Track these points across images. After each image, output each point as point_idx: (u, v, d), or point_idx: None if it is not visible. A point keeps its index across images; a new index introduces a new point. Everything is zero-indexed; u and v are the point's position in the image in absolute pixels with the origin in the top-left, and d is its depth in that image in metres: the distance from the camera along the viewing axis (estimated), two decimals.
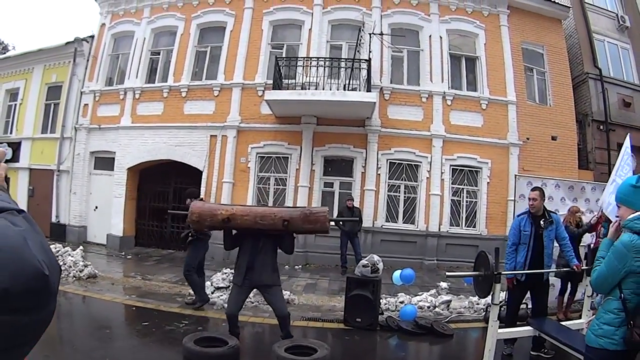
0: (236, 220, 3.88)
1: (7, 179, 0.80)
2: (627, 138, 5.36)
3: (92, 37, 11.33)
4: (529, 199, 4.29)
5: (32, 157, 11.96)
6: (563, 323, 4.19)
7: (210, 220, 3.94)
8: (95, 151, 10.89)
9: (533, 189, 4.41)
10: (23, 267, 0.55)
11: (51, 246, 7.20)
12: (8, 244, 0.55)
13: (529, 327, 3.99)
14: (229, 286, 5.95)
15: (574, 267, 4.15)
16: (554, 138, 10.27)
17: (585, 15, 11.99)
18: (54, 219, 11.26)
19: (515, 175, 7.28)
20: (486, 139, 9.72)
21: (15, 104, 12.51)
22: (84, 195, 10.91)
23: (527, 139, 9.97)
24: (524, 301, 4.63)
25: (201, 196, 5.76)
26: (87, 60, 11.19)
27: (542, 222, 4.16)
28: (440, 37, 9.96)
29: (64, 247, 7.75)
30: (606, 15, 12.45)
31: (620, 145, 11.10)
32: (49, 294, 0.59)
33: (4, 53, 16.69)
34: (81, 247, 7.87)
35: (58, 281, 0.63)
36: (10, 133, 12.53)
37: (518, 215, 4.40)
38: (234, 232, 4.10)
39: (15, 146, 12.20)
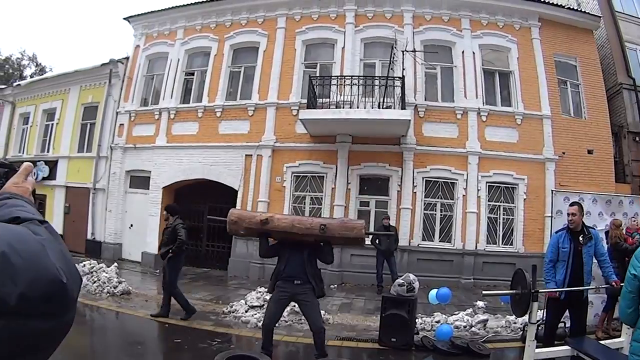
0: (274, 223, 3.92)
1: (34, 194, 0.84)
2: None
3: (127, 58, 11.64)
4: (568, 214, 4.17)
5: (69, 175, 12.28)
6: (602, 342, 4.07)
7: (248, 222, 4.00)
8: (131, 170, 11.11)
9: (572, 204, 4.30)
10: (41, 274, 0.56)
11: (86, 262, 7.41)
12: (27, 250, 0.56)
13: (567, 347, 3.85)
14: (263, 305, 6.00)
15: (613, 283, 4.04)
16: (590, 152, 10.06)
17: (616, 24, 11.76)
18: (89, 236, 11.52)
19: (552, 190, 7.16)
20: (522, 154, 9.59)
21: (53, 124, 12.89)
22: (120, 213, 11.11)
23: (563, 153, 9.80)
24: (562, 319, 4.51)
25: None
26: (122, 81, 11.48)
27: (581, 238, 4.05)
28: (473, 53, 9.91)
29: (98, 263, 7.89)
30: (637, 23, 12.20)
31: None
32: (66, 301, 0.59)
33: (42, 75, 17.23)
34: (116, 264, 7.98)
35: (78, 290, 0.64)
36: (48, 151, 12.91)
37: (556, 232, 4.29)
38: (272, 243, 4.15)
39: (52, 164, 12.57)
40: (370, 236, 8.19)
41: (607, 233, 5.60)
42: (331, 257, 4.14)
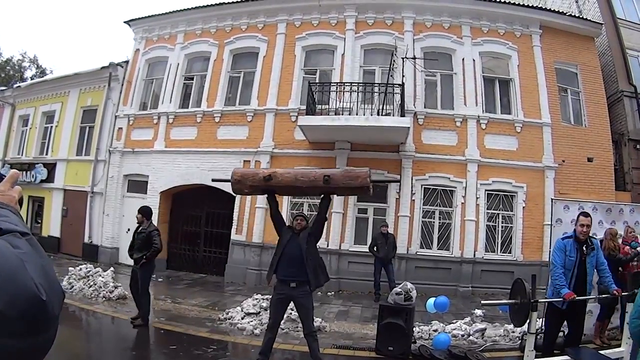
0: (277, 178, 3.90)
1: (20, 202, 0.82)
2: None
3: (127, 62, 11.62)
4: (583, 225, 4.08)
5: (67, 178, 12.27)
6: (602, 352, 4.02)
7: (252, 179, 3.98)
8: (129, 174, 11.09)
9: (585, 215, 4.19)
10: (19, 291, 0.53)
11: (82, 266, 7.36)
12: (4, 266, 0.53)
13: (566, 357, 3.83)
14: (259, 312, 6.00)
15: (614, 292, 4.00)
16: (590, 159, 10.02)
17: (618, 32, 11.72)
18: (86, 240, 11.49)
19: (552, 198, 7.09)
20: (521, 162, 9.55)
21: (52, 126, 12.89)
22: (117, 217, 11.08)
23: (563, 161, 9.75)
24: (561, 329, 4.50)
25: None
26: (122, 85, 11.47)
27: (584, 249, 4.04)
28: (473, 60, 9.87)
29: (95, 267, 7.86)
30: (639, 29, 12.16)
31: None
32: (46, 319, 0.56)
33: (43, 77, 17.23)
34: (112, 269, 7.93)
35: (59, 307, 0.61)
36: (46, 154, 12.89)
37: (562, 239, 4.20)
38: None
39: (51, 167, 12.56)
40: (370, 243, 8.21)
41: (601, 242, 5.56)
42: (324, 212, 4.13)
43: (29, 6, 38.75)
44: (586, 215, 4.21)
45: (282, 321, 5.50)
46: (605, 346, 5.09)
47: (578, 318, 4.18)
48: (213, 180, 5.07)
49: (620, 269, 5.36)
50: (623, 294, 4.03)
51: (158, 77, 11.26)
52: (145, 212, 5.96)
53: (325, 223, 4.34)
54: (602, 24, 11.10)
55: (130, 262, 10.28)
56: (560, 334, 4.59)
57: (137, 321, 5.71)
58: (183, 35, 11.08)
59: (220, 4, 10.74)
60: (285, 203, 9.53)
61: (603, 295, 4.39)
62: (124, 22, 11.87)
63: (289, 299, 4.19)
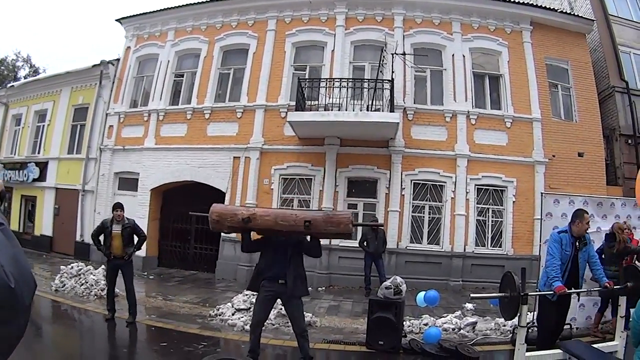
0: (256, 220, 3.82)
1: (2, 196, 0.82)
2: None
3: (118, 60, 11.62)
4: (587, 223, 4.10)
5: (59, 177, 12.25)
6: (595, 345, 4.03)
7: (230, 220, 3.88)
8: (120, 172, 11.06)
9: (586, 212, 4.20)
10: None
11: (74, 264, 7.35)
12: None
13: (558, 350, 3.83)
14: (250, 308, 5.96)
15: (606, 284, 4.02)
16: (580, 154, 10.03)
17: (609, 28, 11.74)
18: (78, 238, 11.46)
19: (542, 193, 7.03)
20: (511, 157, 9.56)
21: (44, 125, 12.88)
22: (108, 215, 10.94)
23: (553, 156, 9.76)
24: (567, 321, 4.50)
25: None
26: (113, 83, 11.46)
27: (577, 244, 4.06)
28: (463, 56, 9.88)
29: (86, 265, 7.86)
30: (631, 26, 12.16)
31: None
32: (15, 307, 0.56)
33: (36, 76, 17.23)
34: (103, 267, 7.83)
35: (30, 296, 0.61)
36: (38, 153, 12.88)
37: (559, 232, 4.18)
38: (256, 238, 4.09)
39: (43, 166, 12.54)
40: (360, 238, 8.21)
41: (607, 236, 5.51)
42: (319, 251, 4.06)
43: (23, 5, 38.74)
44: (586, 212, 4.22)
45: (273, 317, 5.53)
46: (598, 339, 5.10)
47: (564, 312, 4.21)
48: (190, 214, 4.97)
49: (626, 258, 5.35)
50: (615, 287, 4.03)
51: (149, 75, 11.25)
52: (116, 206, 5.97)
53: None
54: (593, 20, 11.12)
55: None
56: (567, 326, 4.58)
57: (129, 318, 5.73)
58: (174, 32, 11.08)
59: (211, 0, 10.74)
60: (275, 199, 9.55)
61: (595, 289, 4.38)
62: (116, 20, 11.89)
63: (276, 297, 4.12)
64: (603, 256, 5.41)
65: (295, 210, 4.45)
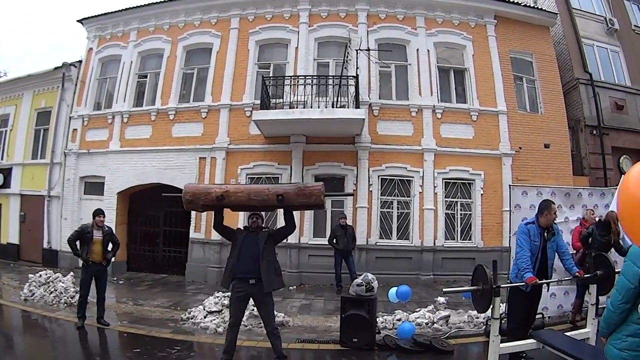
0: (230, 197, 3.87)
1: None
2: None
3: (80, 62, 11.32)
4: (554, 213, 4.13)
5: (23, 183, 11.90)
6: (567, 333, 4.07)
7: (204, 199, 3.92)
8: (85, 176, 10.80)
9: (553, 203, 4.23)
10: None
11: (42, 272, 7.21)
12: None
13: (532, 340, 3.86)
14: (222, 310, 5.93)
15: (577, 274, 4.08)
16: (546, 146, 10.19)
17: (573, 21, 11.96)
18: (45, 245, 11.16)
19: (510, 185, 7.14)
20: (478, 150, 9.66)
21: (6, 130, 12.48)
22: (75, 220, 10.74)
23: (520, 148, 9.90)
24: (539, 311, 4.54)
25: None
26: (76, 85, 11.16)
27: (545, 234, 4.10)
28: (428, 51, 9.93)
29: (55, 273, 7.65)
30: (594, 19, 12.42)
31: (614, 149, 11.16)
32: None
33: None
34: (72, 273, 7.71)
35: None
36: (2, 159, 12.49)
37: (526, 224, 4.20)
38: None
39: (6, 172, 12.17)
40: (329, 235, 8.20)
41: (600, 224, 5.51)
42: (292, 223, 4.13)
43: None
44: (553, 203, 4.25)
45: (245, 318, 5.44)
46: (572, 328, 5.15)
47: (535, 302, 4.24)
48: (164, 195, 4.96)
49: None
50: (585, 275, 4.08)
51: (112, 76, 10.99)
52: (96, 212, 5.97)
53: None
54: (557, 13, 11.32)
55: None
56: (539, 316, 4.62)
57: (103, 320, 5.81)
58: (136, 32, 10.85)
59: None
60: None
61: (566, 279, 4.45)
62: (77, 20, 11.57)
63: (248, 297, 4.13)
64: (590, 242, 5.47)
65: (268, 185, 4.50)
